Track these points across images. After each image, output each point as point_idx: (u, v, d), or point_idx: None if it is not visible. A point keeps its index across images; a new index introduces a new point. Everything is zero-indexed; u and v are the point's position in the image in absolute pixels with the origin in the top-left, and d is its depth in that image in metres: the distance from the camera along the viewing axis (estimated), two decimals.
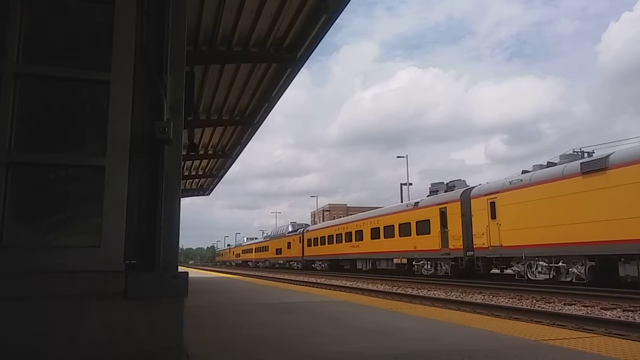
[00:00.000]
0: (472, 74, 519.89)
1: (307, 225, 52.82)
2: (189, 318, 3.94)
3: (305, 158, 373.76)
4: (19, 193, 2.65)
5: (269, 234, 64.19)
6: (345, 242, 34.56)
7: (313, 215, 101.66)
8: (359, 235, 32.36)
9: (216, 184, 23.79)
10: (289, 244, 49.85)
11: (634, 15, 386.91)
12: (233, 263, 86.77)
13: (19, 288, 2.07)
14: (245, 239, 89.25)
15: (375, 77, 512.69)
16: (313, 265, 42.94)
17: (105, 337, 2.11)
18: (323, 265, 40.74)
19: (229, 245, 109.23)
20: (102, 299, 2.13)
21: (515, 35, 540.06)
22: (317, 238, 41.72)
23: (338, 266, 37.33)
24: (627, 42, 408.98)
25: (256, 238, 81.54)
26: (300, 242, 45.92)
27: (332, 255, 37.43)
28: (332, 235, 37.80)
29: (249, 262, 71.61)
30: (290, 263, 49.69)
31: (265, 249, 60.72)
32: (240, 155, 16.97)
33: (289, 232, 51.39)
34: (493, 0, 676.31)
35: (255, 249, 68.41)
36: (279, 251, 53.24)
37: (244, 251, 78.34)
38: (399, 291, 17.30)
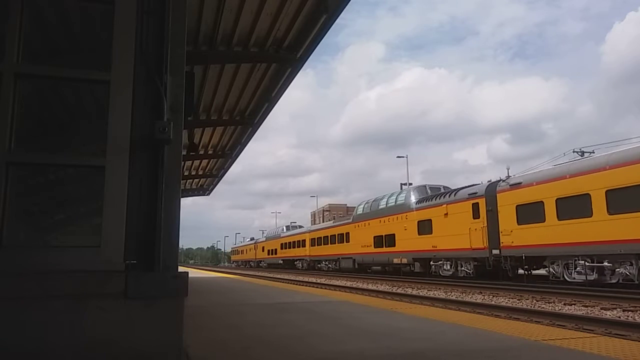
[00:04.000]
0: (475, 75, 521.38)
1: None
2: (189, 318, 3.94)
3: (308, 158, 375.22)
4: (19, 193, 2.65)
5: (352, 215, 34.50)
6: None
7: (313, 215, 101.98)
8: None
9: (216, 184, 23.81)
10: (421, 224, 23.76)
11: (639, 15, 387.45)
12: (263, 264, 60.80)
13: (19, 288, 2.07)
14: (284, 227, 58.48)
15: (380, 77, 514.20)
16: (554, 270, 16.26)
17: (105, 337, 2.11)
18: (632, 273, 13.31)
19: (252, 239, 77.19)
20: (102, 299, 2.13)
21: (518, 36, 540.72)
22: (570, 198, 15.08)
23: None
24: (631, 43, 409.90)
25: (289, 227, 55.98)
26: (476, 217, 19.60)
27: None
28: None
29: (296, 262, 46.46)
30: (435, 265, 22.83)
31: (341, 238, 34.03)
32: (242, 155, 17.02)
33: (416, 203, 24.76)
34: (496, 1, 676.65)
35: (312, 240, 41.39)
36: (384, 241, 27.52)
37: (284, 245, 50.65)
38: (399, 291, 17.29)
